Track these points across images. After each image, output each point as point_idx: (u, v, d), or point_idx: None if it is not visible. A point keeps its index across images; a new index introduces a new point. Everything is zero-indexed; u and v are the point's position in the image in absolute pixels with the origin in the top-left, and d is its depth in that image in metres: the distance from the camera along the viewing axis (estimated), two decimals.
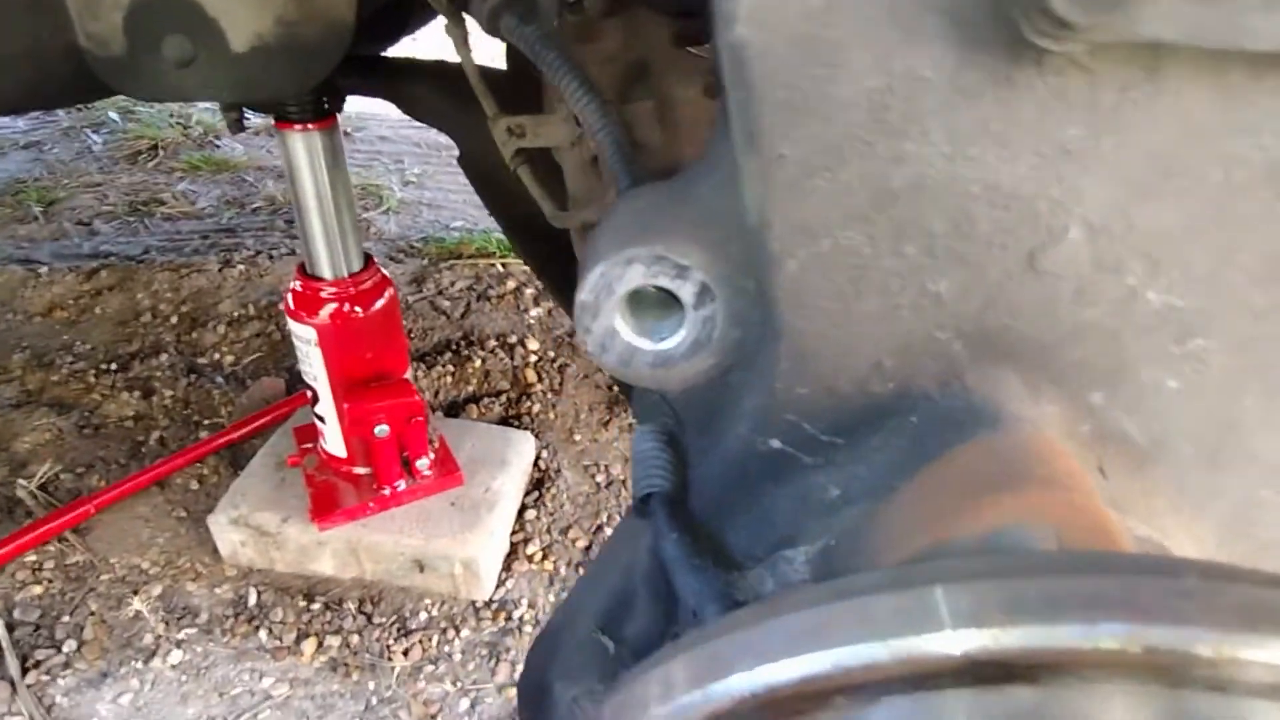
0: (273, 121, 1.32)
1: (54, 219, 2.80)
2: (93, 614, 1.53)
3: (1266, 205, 0.30)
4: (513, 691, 1.45)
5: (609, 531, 1.74)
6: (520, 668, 1.50)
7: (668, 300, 0.38)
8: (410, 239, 2.87)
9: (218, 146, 3.44)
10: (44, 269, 2.46)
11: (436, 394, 2.07)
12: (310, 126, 1.30)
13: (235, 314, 2.31)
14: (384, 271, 1.53)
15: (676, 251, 0.35)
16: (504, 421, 1.97)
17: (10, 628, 1.50)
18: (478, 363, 2.15)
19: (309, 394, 1.57)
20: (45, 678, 1.43)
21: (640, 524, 0.51)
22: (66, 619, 1.52)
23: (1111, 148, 0.29)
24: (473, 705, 1.43)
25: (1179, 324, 0.33)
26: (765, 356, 0.36)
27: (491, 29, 0.71)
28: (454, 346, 2.21)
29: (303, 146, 1.31)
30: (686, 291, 0.36)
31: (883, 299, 0.33)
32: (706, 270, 0.35)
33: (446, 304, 2.39)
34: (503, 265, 2.59)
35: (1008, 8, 0.26)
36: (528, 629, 1.55)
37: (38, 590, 1.57)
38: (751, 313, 0.36)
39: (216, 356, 2.17)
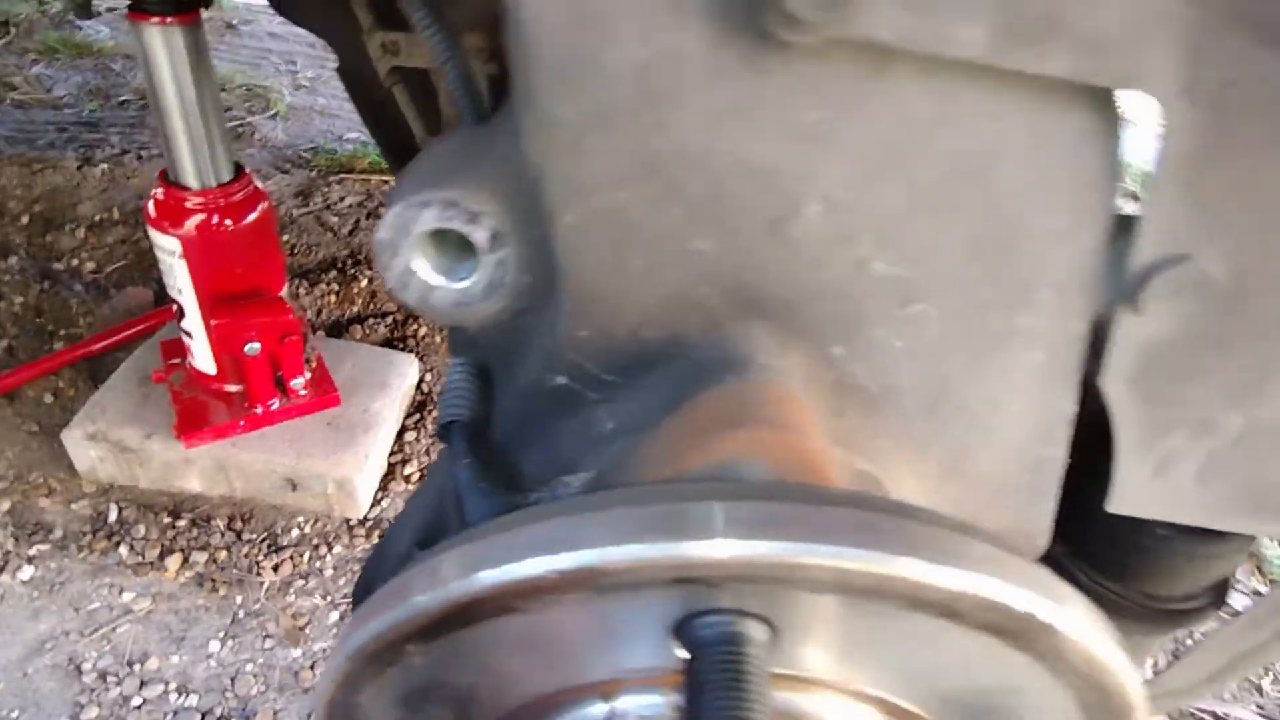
0: (127, 12, 1.22)
1: None
2: None
3: (969, 192, 0.34)
4: None
5: None
6: None
7: (467, 244, 0.40)
8: (299, 148, 2.72)
9: (79, 28, 3.11)
10: None
11: (319, 313, 2.02)
12: (169, 20, 1.21)
13: (97, 217, 2.15)
14: (257, 183, 1.47)
15: (470, 198, 0.37)
16: (389, 343, 1.95)
17: None
18: (364, 282, 2.10)
19: (175, 308, 1.50)
20: None
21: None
22: None
23: (846, 133, 0.33)
24: (342, 617, 1.46)
25: (902, 291, 0.38)
26: (552, 301, 0.39)
27: None
28: (340, 265, 2.14)
29: (161, 42, 1.22)
30: (479, 236, 0.38)
31: (650, 255, 0.37)
32: (498, 218, 0.38)
33: (334, 220, 2.30)
34: None
35: None
36: None
37: None
38: (541, 260, 0.39)
39: (75, 263, 2.03)
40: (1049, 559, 0.57)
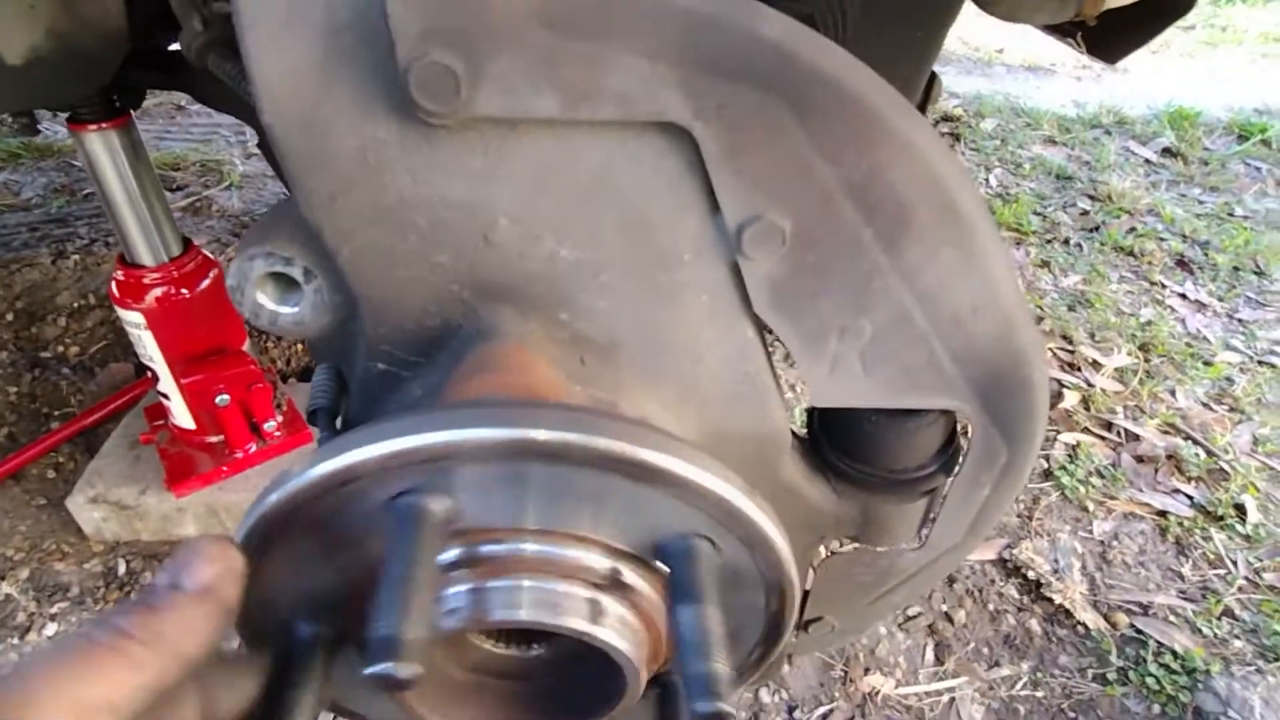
0: (67, 123, 1.39)
1: None
2: None
3: (605, 197, 0.51)
4: None
5: None
6: None
7: (293, 280, 0.56)
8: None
9: (38, 131, 3.29)
10: None
11: (289, 362, 2.19)
12: (105, 125, 1.38)
13: (75, 305, 2.32)
14: (206, 253, 1.63)
15: (282, 248, 0.54)
16: None
17: None
18: None
19: (150, 375, 1.67)
20: None
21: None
22: None
23: (504, 171, 0.49)
24: None
25: (589, 267, 0.54)
26: (360, 310, 0.56)
27: (200, 62, 0.85)
28: None
29: (101, 146, 1.39)
30: (297, 273, 0.55)
31: (410, 270, 0.53)
32: (306, 259, 0.54)
33: None
34: None
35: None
36: None
37: None
38: (342, 283, 0.55)
39: (60, 349, 2.20)
40: (823, 457, 0.73)
